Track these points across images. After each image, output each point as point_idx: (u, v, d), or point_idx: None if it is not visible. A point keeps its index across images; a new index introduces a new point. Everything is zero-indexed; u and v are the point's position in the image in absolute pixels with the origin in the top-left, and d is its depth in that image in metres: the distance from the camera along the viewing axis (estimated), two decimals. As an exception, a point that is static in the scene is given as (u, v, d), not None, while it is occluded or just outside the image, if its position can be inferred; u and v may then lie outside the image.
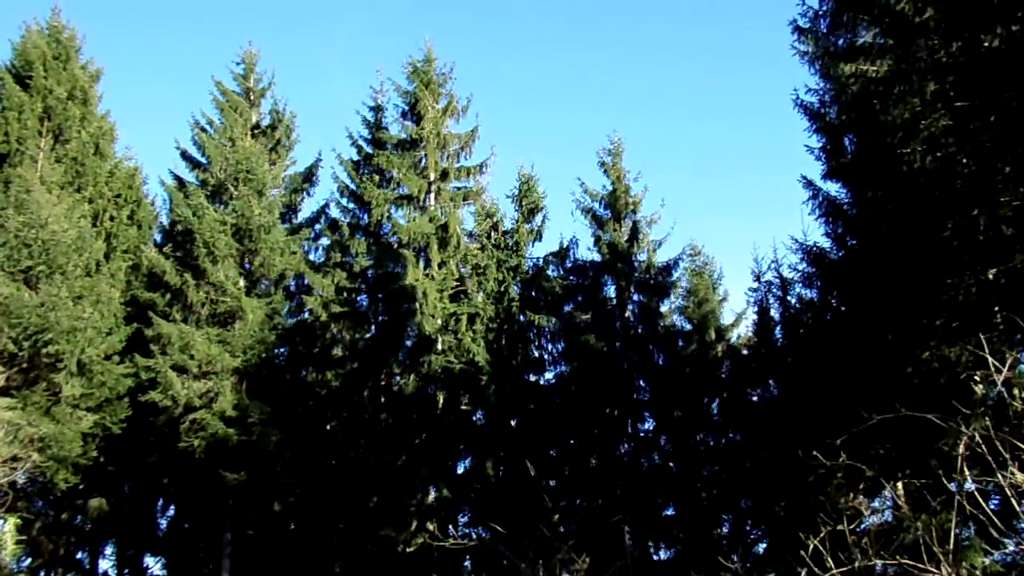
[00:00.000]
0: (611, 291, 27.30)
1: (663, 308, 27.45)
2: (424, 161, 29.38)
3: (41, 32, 28.59)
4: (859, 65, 19.39)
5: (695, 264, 27.88)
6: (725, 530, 25.22)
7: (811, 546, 14.73)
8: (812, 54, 20.97)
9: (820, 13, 20.39)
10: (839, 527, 17.15)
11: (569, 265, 27.71)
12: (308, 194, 31.07)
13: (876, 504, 19.86)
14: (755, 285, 25.03)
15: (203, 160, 29.66)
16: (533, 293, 27.24)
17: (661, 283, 27.53)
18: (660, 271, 27.60)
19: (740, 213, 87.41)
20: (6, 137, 26.41)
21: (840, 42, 20.24)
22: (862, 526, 19.40)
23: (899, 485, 18.85)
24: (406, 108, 29.99)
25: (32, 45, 28.01)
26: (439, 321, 26.90)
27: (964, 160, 15.81)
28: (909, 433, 16.97)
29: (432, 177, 29.30)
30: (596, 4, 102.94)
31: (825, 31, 20.49)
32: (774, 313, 24.48)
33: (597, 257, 27.66)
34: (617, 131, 28.73)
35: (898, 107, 18.23)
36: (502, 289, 26.87)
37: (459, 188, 29.83)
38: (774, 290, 24.35)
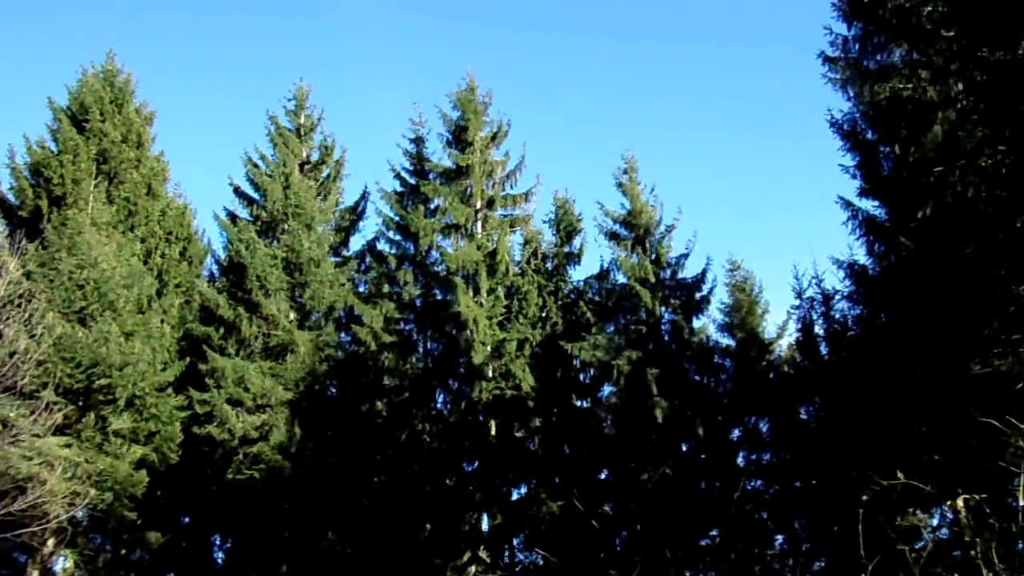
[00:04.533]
0: (642, 312, 26.93)
1: (697, 324, 27.21)
2: (471, 189, 29.60)
3: (97, 76, 29.34)
4: (892, 84, 19.41)
5: (735, 278, 27.50)
6: (777, 550, 24.94)
7: (869, 567, 14.56)
8: (843, 79, 21.03)
9: (850, 38, 20.42)
10: (898, 546, 16.94)
11: (609, 287, 27.68)
12: (356, 227, 31.61)
13: (934, 521, 19.54)
14: (797, 302, 24.85)
15: (256, 196, 30.26)
16: (574, 317, 27.35)
17: (691, 299, 27.21)
18: (689, 287, 27.27)
19: (775, 230, 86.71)
20: (61, 179, 27.18)
21: (871, 64, 20.27)
22: (919, 543, 19.12)
23: (959, 501, 18.54)
24: (450, 137, 30.21)
25: (88, 89, 28.79)
26: (489, 348, 27.06)
27: (1003, 172, 15.71)
28: (965, 447, 16.75)
29: (479, 205, 29.54)
30: (628, 26, 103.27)
31: (856, 54, 20.51)
32: (818, 329, 24.29)
33: (624, 278, 27.48)
34: (630, 149, 28.48)
35: (933, 124, 18.22)
36: (543, 314, 27.06)
37: (505, 215, 30.02)
38: (816, 306, 24.15)
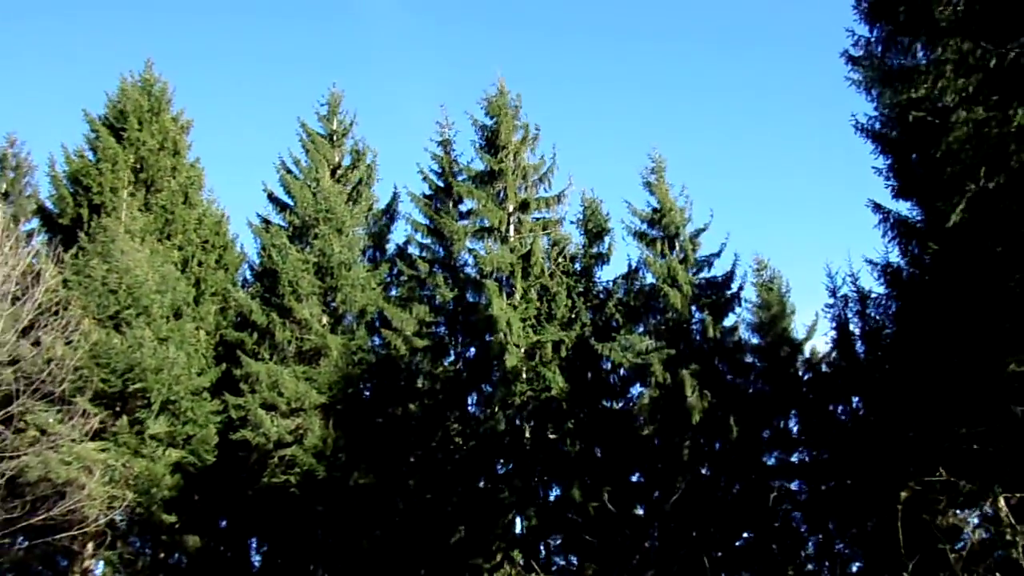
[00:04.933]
0: (672, 311, 26.68)
1: (727, 323, 26.94)
2: (504, 193, 29.60)
3: (135, 85, 29.80)
4: (918, 85, 19.12)
5: (762, 278, 27.24)
6: (810, 551, 24.59)
7: (909, 566, 14.23)
8: (867, 80, 20.78)
9: (872, 39, 20.17)
10: (939, 545, 16.57)
11: (637, 287, 27.50)
12: (388, 231, 31.71)
13: (975, 520, 19.11)
14: (831, 300, 24.69)
15: (289, 201, 30.55)
16: (603, 318, 27.21)
17: (721, 298, 26.98)
18: (719, 285, 27.09)
19: (804, 228, 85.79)
20: (100, 188, 27.60)
21: (894, 65, 20.01)
22: (960, 543, 18.70)
23: (999, 500, 18.11)
24: (483, 142, 30.29)
25: (126, 98, 29.28)
26: (522, 350, 26.97)
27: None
28: (1005, 445, 16.38)
29: (511, 208, 29.51)
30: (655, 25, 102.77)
31: (879, 55, 20.25)
32: (853, 328, 23.93)
33: (652, 278, 27.32)
34: (656, 148, 28.27)
35: (957, 124, 17.86)
36: (573, 315, 26.94)
37: (538, 218, 29.95)
38: (852, 304, 23.82)
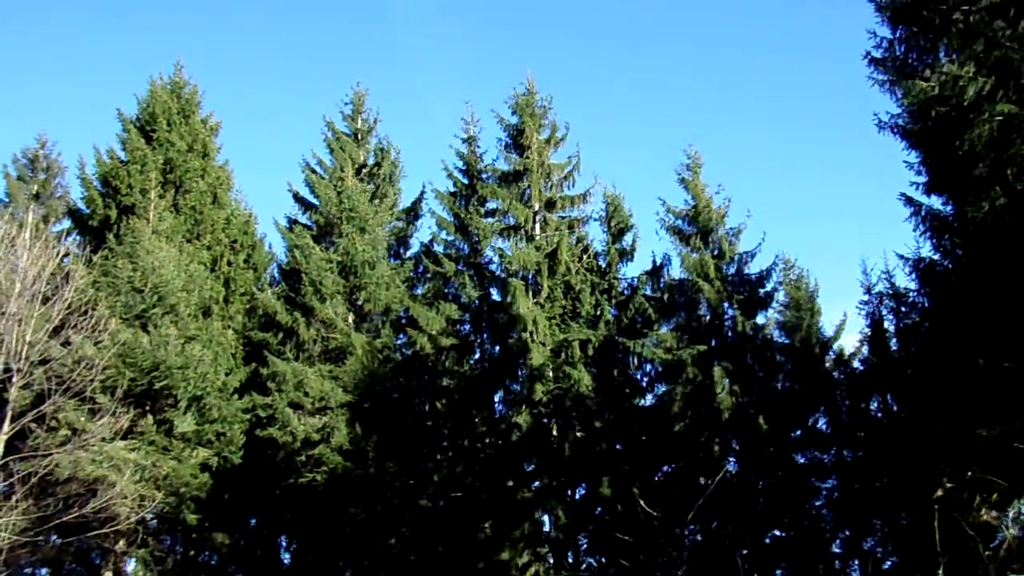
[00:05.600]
0: (704, 308, 26.77)
1: (760, 320, 26.89)
2: (529, 191, 29.51)
3: (164, 87, 30.07)
4: (941, 83, 18.97)
5: (790, 277, 27.18)
6: (839, 549, 24.34)
7: (942, 564, 14.00)
8: (891, 81, 20.71)
9: (895, 40, 20.05)
10: (973, 543, 16.29)
11: (663, 284, 27.45)
12: (414, 229, 31.82)
13: (1010, 518, 18.79)
14: (865, 298, 24.54)
15: (314, 200, 30.64)
16: (628, 315, 27.12)
17: (755, 295, 26.95)
18: (753, 283, 27.04)
19: (833, 227, 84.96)
20: (130, 189, 27.84)
21: (917, 65, 19.91)
22: (995, 542, 18.38)
23: (1033, 498, 17.79)
24: (509, 141, 30.24)
25: (156, 100, 29.54)
26: (549, 348, 26.88)
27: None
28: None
29: (537, 207, 29.43)
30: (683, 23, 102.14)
31: (902, 55, 20.14)
32: (888, 326, 23.72)
33: (686, 275, 27.25)
34: (693, 145, 28.40)
35: (983, 121, 17.64)
36: (597, 313, 26.86)
37: (564, 217, 29.84)
38: (886, 301, 23.58)
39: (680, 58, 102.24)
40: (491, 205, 29.90)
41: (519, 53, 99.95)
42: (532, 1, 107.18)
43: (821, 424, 25.43)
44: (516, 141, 30.00)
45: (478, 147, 30.87)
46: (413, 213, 31.79)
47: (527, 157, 29.41)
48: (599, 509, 25.62)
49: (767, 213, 78.62)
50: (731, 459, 24.51)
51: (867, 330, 24.65)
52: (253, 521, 27.37)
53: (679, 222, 27.67)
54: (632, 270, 28.11)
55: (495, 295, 28.96)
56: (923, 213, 20.29)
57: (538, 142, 29.63)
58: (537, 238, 29.01)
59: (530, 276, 28.33)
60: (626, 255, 28.37)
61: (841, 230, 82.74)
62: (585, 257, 27.61)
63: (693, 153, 28.15)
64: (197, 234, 28.66)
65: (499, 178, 29.84)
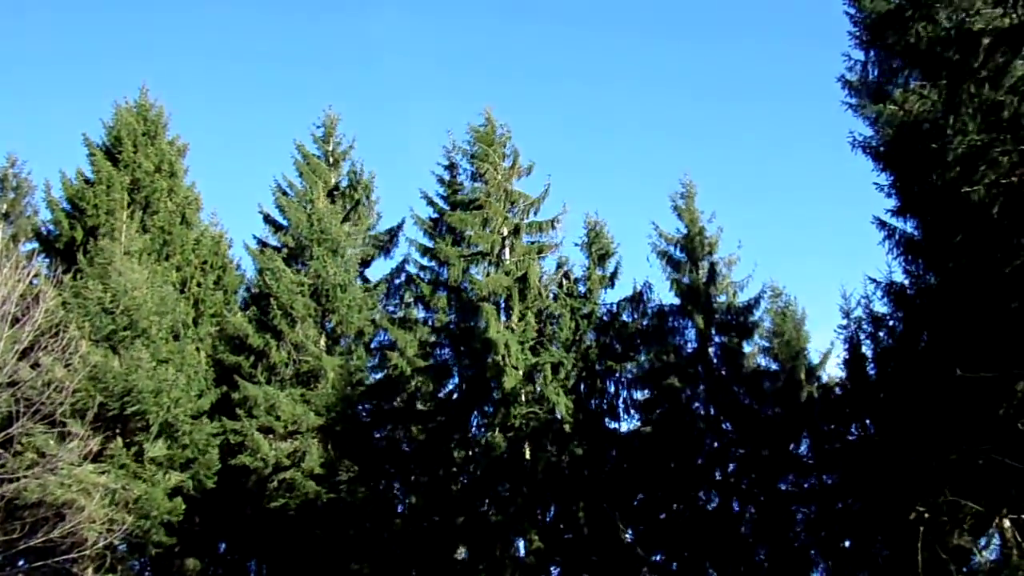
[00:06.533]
0: (691, 334, 27.13)
1: (747, 349, 27.26)
2: (494, 219, 29.71)
3: (130, 110, 29.78)
4: (911, 106, 19.50)
5: (777, 305, 27.60)
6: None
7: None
8: (862, 104, 21.28)
9: (869, 63, 20.61)
10: (949, 567, 16.59)
11: (644, 310, 27.63)
12: (389, 253, 31.78)
13: (983, 541, 19.22)
14: (844, 322, 24.96)
15: (284, 223, 30.52)
16: (608, 340, 27.24)
17: (743, 323, 27.32)
18: (741, 311, 27.41)
19: (819, 253, 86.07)
20: (95, 210, 27.50)
21: (889, 89, 20.46)
22: (969, 566, 18.77)
23: (1004, 521, 18.21)
24: (473, 170, 30.56)
25: (122, 123, 29.21)
26: (521, 372, 27.00)
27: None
28: (1011, 467, 16.43)
29: (505, 232, 29.63)
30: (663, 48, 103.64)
31: (875, 79, 20.71)
32: (865, 350, 24.11)
33: (675, 300, 27.57)
34: (688, 173, 28.89)
35: (953, 144, 18.16)
36: (577, 337, 26.97)
37: (533, 242, 30.07)
38: (864, 327, 24.00)
39: (667, 94, 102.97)
40: (466, 232, 30.04)
41: (502, 84, 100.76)
42: (505, 39, 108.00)
43: (803, 450, 25.73)
44: (480, 170, 30.31)
45: (458, 174, 31.04)
46: (391, 236, 31.80)
47: (489, 184, 29.66)
48: (572, 534, 25.62)
49: (756, 240, 79.18)
50: (714, 485, 24.75)
51: (845, 355, 24.98)
52: (223, 546, 27.01)
53: (671, 248, 28.03)
54: (616, 296, 28.27)
55: (469, 320, 29.03)
56: (896, 236, 20.53)
57: (502, 170, 29.90)
58: (507, 263, 29.18)
59: (501, 301, 28.47)
60: (607, 281, 28.46)
61: (832, 256, 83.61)
62: (566, 283, 27.71)
63: (687, 181, 28.64)
64: (166, 255, 28.32)
65: (464, 205, 30.07)
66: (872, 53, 20.22)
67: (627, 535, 23.68)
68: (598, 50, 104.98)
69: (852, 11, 20.94)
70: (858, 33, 20.84)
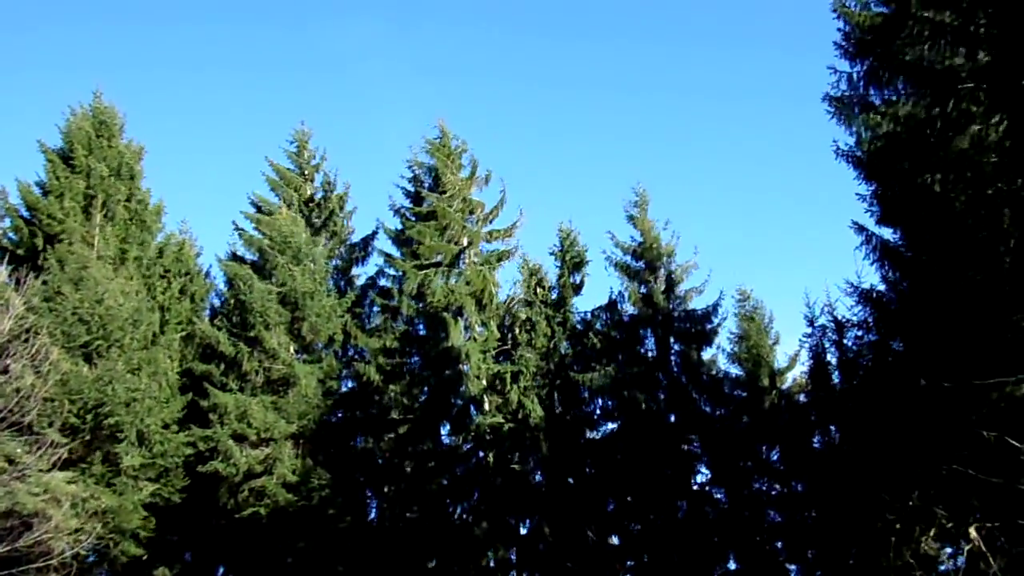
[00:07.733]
0: (651, 343, 27.38)
1: (706, 356, 27.50)
2: (451, 229, 29.96)
3: (85, 115, 29.28)
4: (898, 116, 19.91)
5: (744, 309, 27.84)
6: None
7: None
8: (848, 116, 21.52)
9: (854, 75, 20.92)
10: (915, 574, 17.07)
11: (619, 319, 27.80)
12: (363, 262, 31.96)
13: (950, 549, 19.75)
14: (808, 330, 24.97)
15: (256, 234, 30.45)
16: (581, 348, 27.46)
17: (701, 331, 27.51)
18: (699, 319, 27.58)
19: (786, 259, 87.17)
20: (51, 217, 27.03)
21: (877, 99, 20.81)
22: (936, 573, 19.36)
23: (971, 529, 18.73)
24: (431, 181, 30.87)
25: (76, 127, 28.72)
26: (484, 381, 27.23)
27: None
28: (983, 474, 16.99)
29: (465, 243, 29.90)
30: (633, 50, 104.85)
31: (862, 89, 21.04)
32: (830, 358, 24.42)
33: (634, 310, 27.77)
34: (641, 182, 28.95)
35: (938, 153, 18.77)
36: (551, 345, 27.21)
37: (491, 251, 30.39)
38: (829, 334, 24.31)
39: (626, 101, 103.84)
40: (426, 242, 30.19)
41: (479, 89, 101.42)
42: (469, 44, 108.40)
43: (774, 456, 26.15)
44: (436, 182, 30.56)
45: (424, 187, 31.15)
46: (363, 246, 31.91)
47: (446, 196, 29.97)
48: (544, 543, 25.78)
49: (730, 241, 79.53)
50: (681, 492, 25.14)
51: (810, 362, 25.15)
52: (191, 555, 26.69)
53: (627, 258, 28.16)
54: (589, 303, 28.60)
55: (431, 330, 29.20)
56: (875, 242, 20.25)
57: (456, 181, 30.22)
58: (466, 273, 29.42)
59: (463, 310, 28.68)
60: (579, 289, 28.72)
61: (803, 262, 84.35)
62: (541, 291, 27.97)
63: (641, 190, 28.77)
64: (123, 259, 27.90)
65: (423, 217, 30.29)
66: (858, 63, 20.49)
67: (602, 542, 23.97)
68: (573, 57, 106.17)
69: (840, 23, 21.09)
70: (844, 44, 21.01)
